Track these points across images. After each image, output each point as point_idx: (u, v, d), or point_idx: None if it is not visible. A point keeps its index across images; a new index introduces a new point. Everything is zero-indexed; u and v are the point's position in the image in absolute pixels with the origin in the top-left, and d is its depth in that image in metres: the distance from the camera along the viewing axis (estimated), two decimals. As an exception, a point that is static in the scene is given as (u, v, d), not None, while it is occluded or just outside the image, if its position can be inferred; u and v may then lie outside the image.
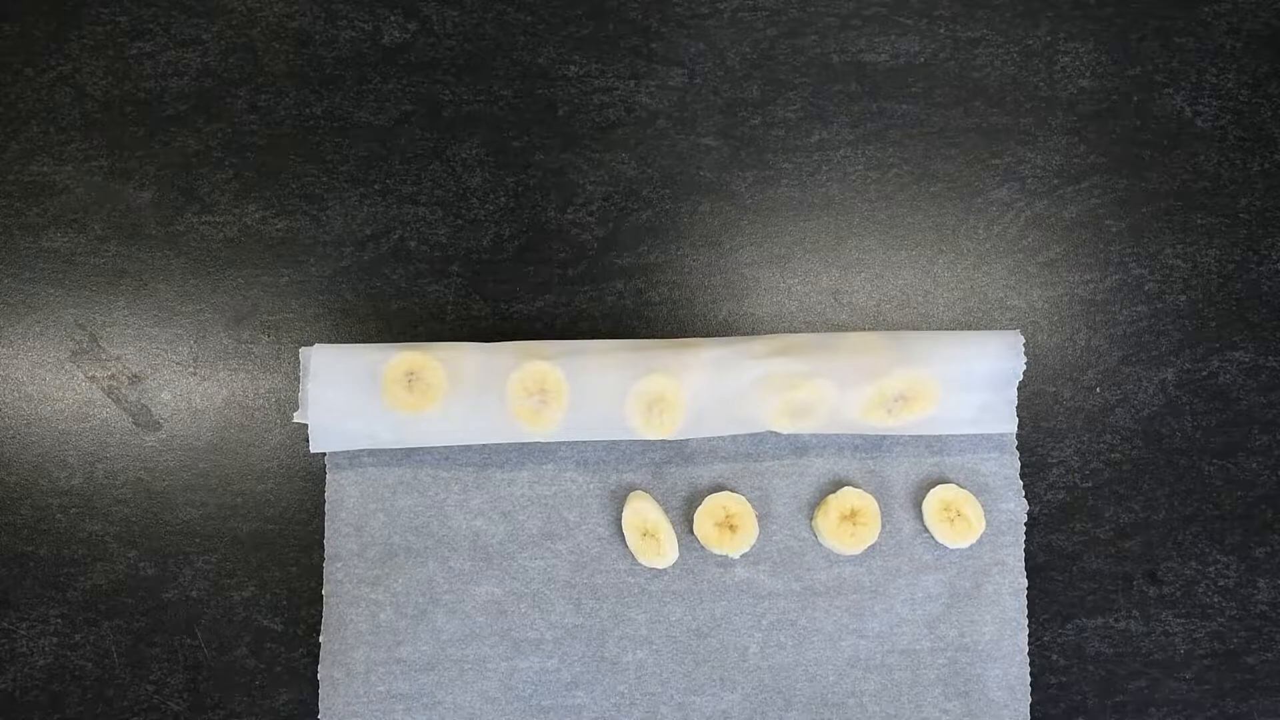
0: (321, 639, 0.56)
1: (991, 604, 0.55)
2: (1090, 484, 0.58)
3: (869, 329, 0.60)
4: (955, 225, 0.62)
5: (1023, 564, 0.55)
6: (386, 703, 0.55)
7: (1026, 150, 0.62)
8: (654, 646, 0.55)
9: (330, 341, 0.61)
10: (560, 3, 0.65)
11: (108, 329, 0.61)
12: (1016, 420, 0.56)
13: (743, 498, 0.55)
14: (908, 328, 0.61)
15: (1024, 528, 0.56)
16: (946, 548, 0.55)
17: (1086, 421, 0.59)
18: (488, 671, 0.55)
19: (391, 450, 0.57)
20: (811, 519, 0.55)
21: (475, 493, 0.56)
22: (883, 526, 0.55)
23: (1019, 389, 0.59)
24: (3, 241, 0.62)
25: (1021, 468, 0.59)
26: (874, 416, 0.54)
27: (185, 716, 0.57)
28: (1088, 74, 0.63)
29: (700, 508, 0.55)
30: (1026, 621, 0.55)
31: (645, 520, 0.54)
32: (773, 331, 0.61)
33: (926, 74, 0.63)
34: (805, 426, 0.55)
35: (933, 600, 0.54)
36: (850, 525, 0.54)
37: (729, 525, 0.54)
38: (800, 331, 0.61)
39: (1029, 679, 0.54)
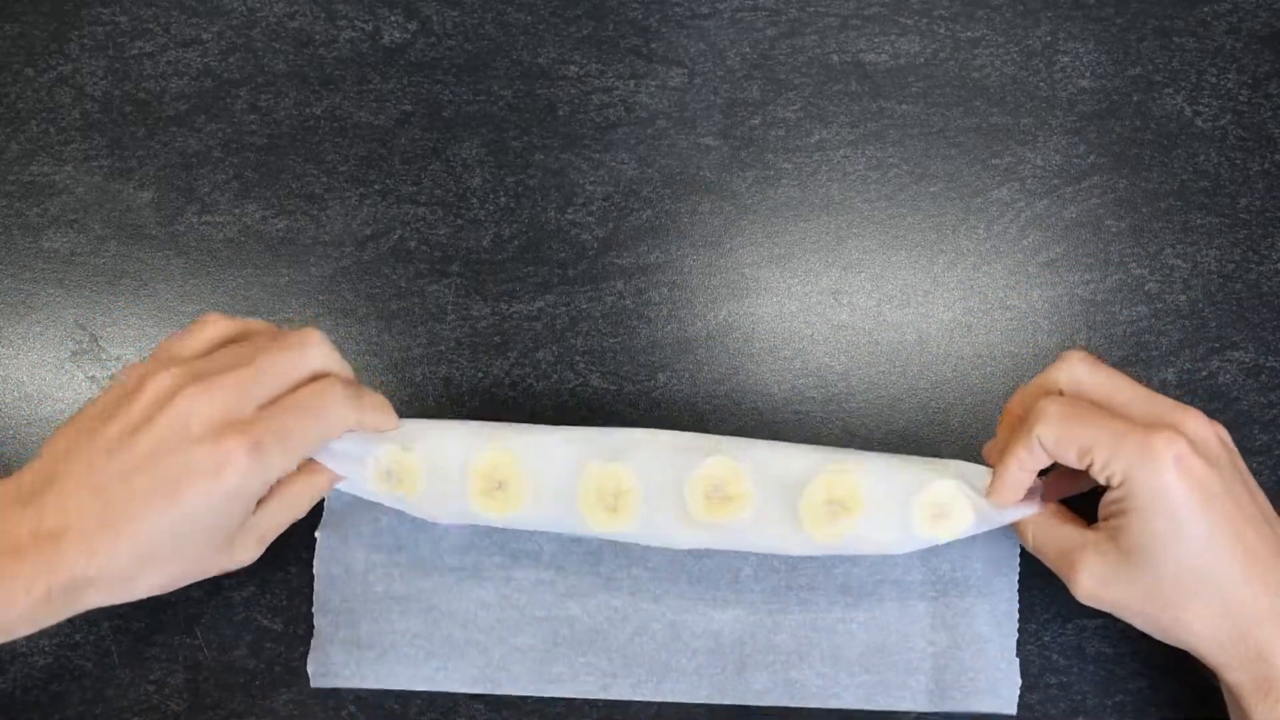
0: (318, 534, 0.56)
1: (984, 541, 0.55)
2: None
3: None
4: (955, 225, 0.62)
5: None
6: (384, 603, 0.56)
7: (1026, 150, 0.62)
8: (649, 565, 0.56)
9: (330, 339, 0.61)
10: (560, 3, 0.65)
11: (108, 329, 0.61)
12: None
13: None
14: (908, 327, 0.61)
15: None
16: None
17: (1086, 421, 0.59)
18: (484, 580, 0.56)
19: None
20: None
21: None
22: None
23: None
24: (3, 241, 0.62)
25: (1021, 468, 0.59)
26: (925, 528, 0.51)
27: (185, 716, 0.57)
28: (1088, 74, 0.63)
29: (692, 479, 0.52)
30: (1018, 562, 0.55)
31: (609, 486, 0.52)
32: (773, 331, 0.61)
33: (926, 74, 0.63)
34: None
35: None
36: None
37: (723, 497, 0.52)
38: (800, 332, 0.61)
39: (1017, 615, 0.55)
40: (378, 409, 0.50)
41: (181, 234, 0.62)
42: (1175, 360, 0.60)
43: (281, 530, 0.50)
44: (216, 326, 0.49)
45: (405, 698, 0.56)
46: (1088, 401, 0.47)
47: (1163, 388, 0.59)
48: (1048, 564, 0.49)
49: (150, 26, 0.65)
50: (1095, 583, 0.47)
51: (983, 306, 0.61)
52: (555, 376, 0.60)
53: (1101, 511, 0.48)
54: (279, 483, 0.48)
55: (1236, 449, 0.48)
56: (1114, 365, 0.60)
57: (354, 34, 0.64)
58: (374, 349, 0.61)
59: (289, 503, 0.49)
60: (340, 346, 0.60)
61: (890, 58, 0.64)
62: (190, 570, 0.47)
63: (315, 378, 0.48)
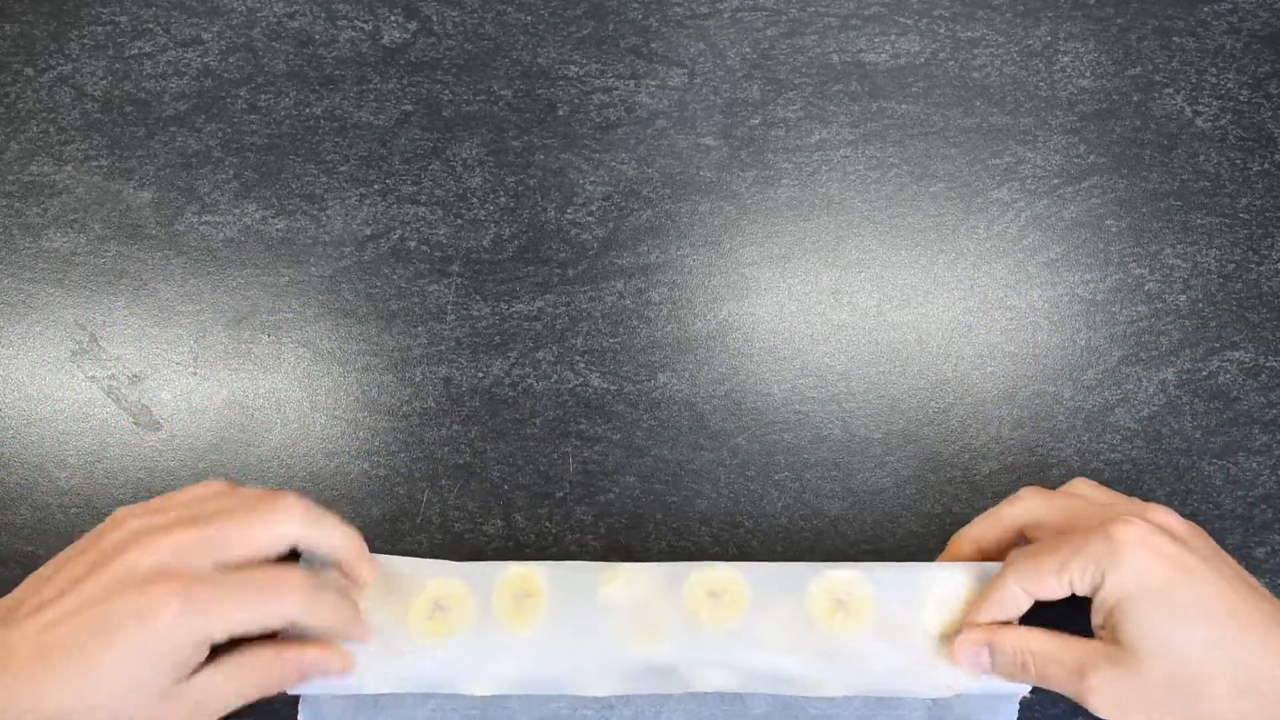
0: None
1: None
2: (1090, 484, 0.58)
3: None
4: (955, 225, 0.62)
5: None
6: None
7: (1026, 150, 0.62)
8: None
9: (330, 339, 0.61)
10: (560, 3, 0.65)
11: (108, 329, 0.61)
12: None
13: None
14: (908, 327, 0.61)
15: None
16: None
17: (1086, 421, 0.59)
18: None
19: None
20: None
21: None
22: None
23: (1014, 397, 0.59)
24: (3, 241, 0.62)
25: (1021, 468, 0.59)
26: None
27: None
28: (1088, 74, 0.63)
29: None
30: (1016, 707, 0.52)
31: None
32: (773, 331, 0.61)
33: (926, 74, 0.63)
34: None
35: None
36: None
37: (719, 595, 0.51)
38: (800, 332, 0.61)
39: None
40: (338, 616, 0.47)
41: (181, 234, 0.62)
42: (1175, 360, 0.60)
43: (224, 710, 0.46)
44: (211, 488, 0.49)
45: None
46: (1051, 531, 0.48)
47: (1163, 388, 0.59)
48: (1057, 688, 0.47)
49: (150, 26, 0.65)
50: (1111, 688, 0.45)
51: (983, 306, 0.61)
52: (555, 376, 0.60)
53: (1095, 623, 0.47)
54: (226, 652, 0.46)
55: (1211, 539, 0.48)
56: (1114, 365, 0.60)
57: (354, 34, 0.64)
58: (374, 349, 0.61)
59: (234, 674, 0.46)
60: (340, 347, 0.60)
61: (890, 58, 0.64)
62: None
63: (293, 549, 0.48)
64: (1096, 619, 0.47)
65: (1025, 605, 0.48)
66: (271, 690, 0.47)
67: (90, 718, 0.44)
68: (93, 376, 0.61)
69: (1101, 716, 0.46)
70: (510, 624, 0.49)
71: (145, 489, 0.59)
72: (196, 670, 0.45)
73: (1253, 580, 0.47)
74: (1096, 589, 0.46)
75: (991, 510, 0.51)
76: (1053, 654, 0.47)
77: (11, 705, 0.43)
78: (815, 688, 0.49)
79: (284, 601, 0.46)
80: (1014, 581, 0.47)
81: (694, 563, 0.50)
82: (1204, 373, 0.60)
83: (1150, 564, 0.45)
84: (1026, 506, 0.50)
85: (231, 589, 0.45)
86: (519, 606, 0.49)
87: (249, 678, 0.46)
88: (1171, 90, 0.63)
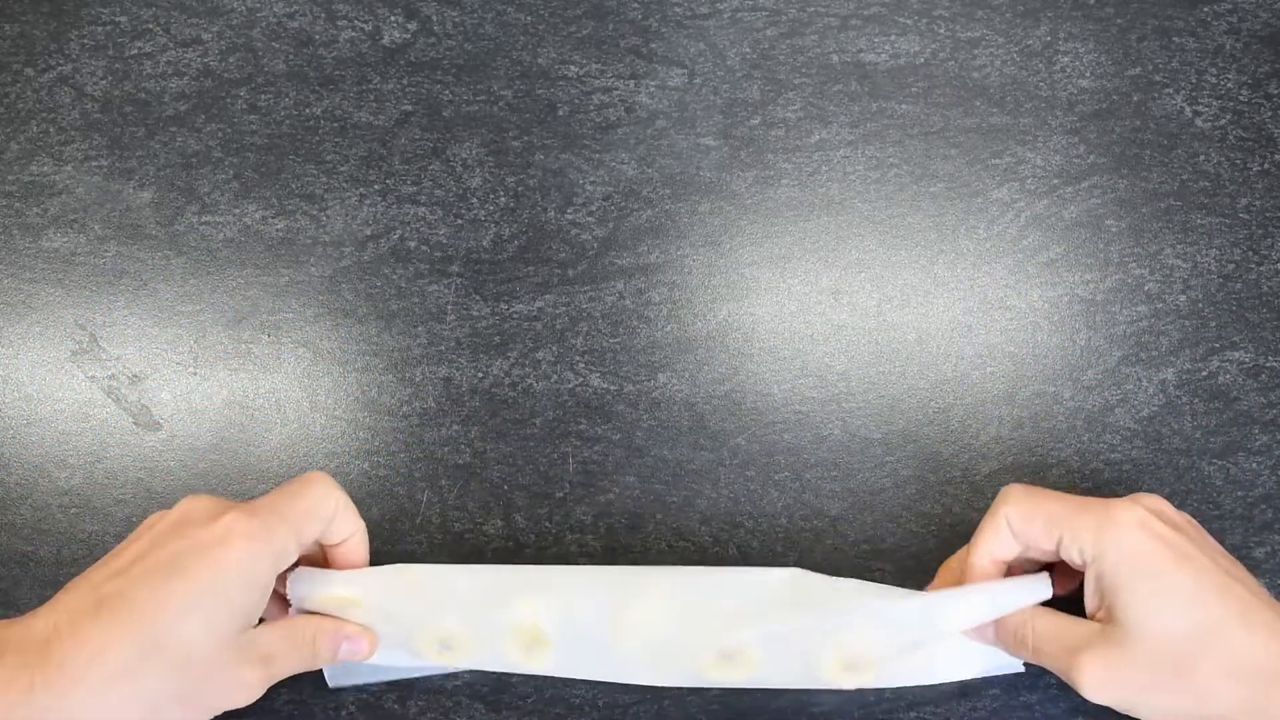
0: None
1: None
2: (1090, 484, 0.58)
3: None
4: (955, 225, 0.62)
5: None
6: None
7: (1026, 150, 0.62)
8: None
9: (330, 339, 0.61)
10: (560, 3, 0.65)
11: (108, 329, 0.61)
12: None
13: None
14: (908, 327, 0.61)
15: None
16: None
17: (1086, 422, 0.59)
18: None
19: None
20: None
21: None
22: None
23: (1014, 397, 0.59)
24: (3, 241, 0.62)
25: (1021, 468, 0.59)
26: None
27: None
28: (1088, 74, 0.63)
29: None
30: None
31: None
32: (773, 331, 0.61)
33: (926, 74, 0.63)
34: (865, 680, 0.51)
35: None
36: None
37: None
38: (800, 332, 0.61)
39: None
40: (350, 512, 0.49)
41: (181, 234, 0.62)
42: (1175, 360, 0.60)
43: (288, 672, 0.47)
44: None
45: (405, 698, 0.56)
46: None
47: (1163, 388, 0.59)
48: (1049, 665, 0.48)
49: (150, 26, 0.65)
50: (1100, 667, 0.45)
51: (983, 306, 0.61)
52: (555, 376, 0.60)
53: (1089, 606, 0.47)
54: (290, 617, 0.48)
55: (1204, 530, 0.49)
56: (1114, 365, 0.60)
57: (354, 34, 0.64)
58: (374, 349, 0.61)
59: (290, 634, 0.47)
60: (340, 347, 0.60)
61: (890, 58, 0.64)
62: (192, 684, 0.41)
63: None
64: (1091, 601, 0.47)
65: (1012, 547, 0.48)
66: (317, 662, 0.48)
67: (156, 668, 0.40)
68: (93, 376, 0.61)
69: (1090, 698, 0.46)
70: (521, 662, 0.51)
71: (145, 489, 0.59)
72: (258, 626, 0.45)
73: (1242, 568, 0.47)
74: (1088, 564, 0.46)
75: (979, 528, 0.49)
76: (1052, 631, 0.47)
77: (69, 664, 0.39)
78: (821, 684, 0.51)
79: (317, 489, 0.47)
80: (1005, 512, 0.48)
81: (708, 604, 0.50)
82: (1204, 373, 0.60)
83: (1145, 544, 0.45)
84: (1012, 500, 0.48)
85: (279, 503, 0.46)
86: (529, 653, 0.50)
87: (303, 641, 0.47)
88: (1171, 90, 0.63)
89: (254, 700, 0.45)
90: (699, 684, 0.51)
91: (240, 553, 0.42)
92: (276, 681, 0.46)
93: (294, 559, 0.47)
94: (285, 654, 0.46)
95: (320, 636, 0.48)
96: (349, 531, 0.49)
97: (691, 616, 0.50)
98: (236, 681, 0.43)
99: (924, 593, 0.50)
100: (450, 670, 0.54)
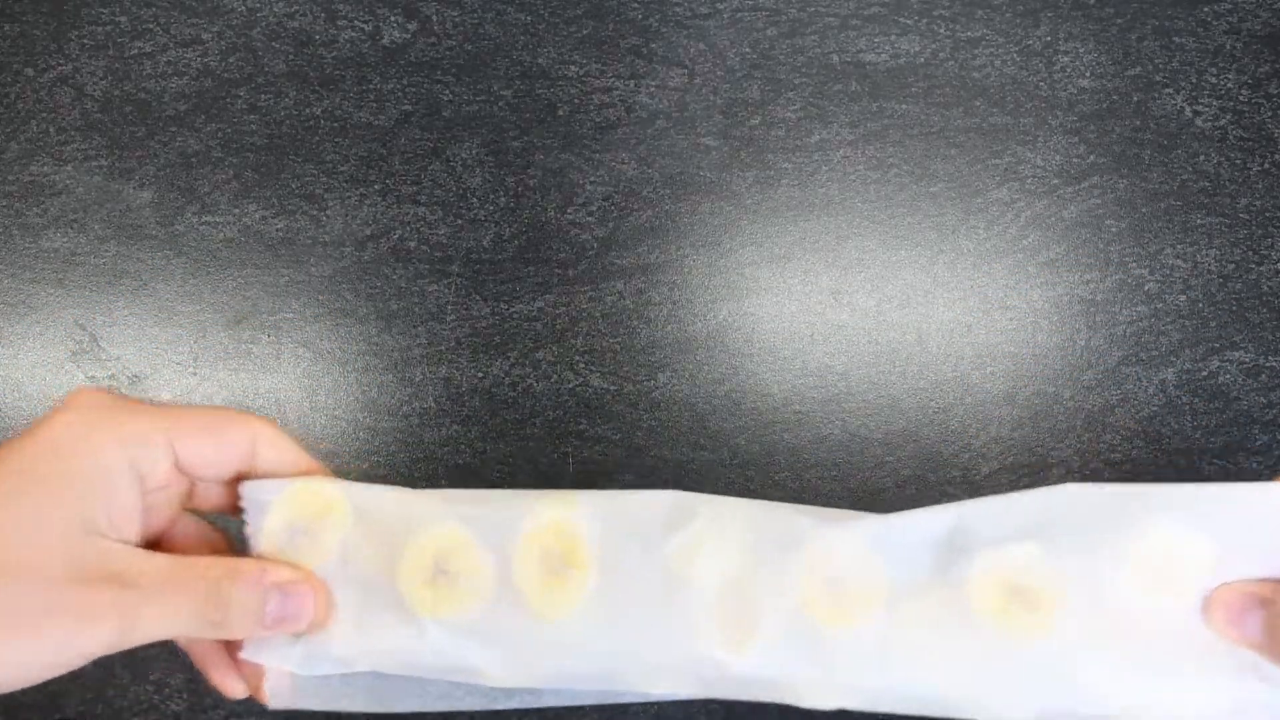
0: None
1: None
2: (1090, 484, 0.58)
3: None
4: (955, 225, 0.62)
5: None
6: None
7: (1026, 150, 0.62)
8: None
9: (330, 339, 0.61)
10: (560, 3, 0.65)
11: (108, 329, 0.61)
12: None
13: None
14: (908, 327, 0.61)
15: None
16: None
17: (1086, 421, 0.59)
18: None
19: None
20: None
21: None
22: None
23: (1014, 397, 0.59)
24: (3, 241, 0.62)
25: (1021, 468, 0.59)
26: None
27: (185, 716, 0.57)
28: (1088, 74, 0.63)
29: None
30: None
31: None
32: (773, 331, 0.61)
33: (926, 74, 0.63)
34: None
35: None
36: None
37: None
38: (800, 332, 0.61)
39: None
40: (285, 442, 0.35)
41: (181, 234, 0.62)
42: (1175, 360, 0.60)
43: (169, 626, 0.31)
44: None
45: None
46: None
47: (1162, 388, 0.59)
48: None
49: (150, 26, 0.65)
50: None
51: (983, 306, 0.61)
52: (555, 376, 0.60)
53: None
54: (170, 535, 0.34)
55: None
56: (1114, 365, 0.60)
57: (354, 34, 0.64)
58: (374, 349, 0.61)
59: (192, 569, 0.31)
60: (340, 347, 0.60)
61: (890, 58, 0.64)
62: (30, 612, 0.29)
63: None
64: None
65: None
66: (225, 619, 0.31)
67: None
68: (93, 376, 0.61)
69: None
70: (541, 604, 0.34)
71: (145, 489, 0.59)
72: (126, 543, 0.31)
73: None
74: None
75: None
76: None
77: None
78: (981, 711, 0.33)
79: (247, 426, 0.33)
80: None
81: (804, 512, 0.35)
82: (1204, 373, 0.60)
83: None
84: None
85: (167, 410, 0.32)
86: (554, 580, 0.34)
87: (197, 576, 0.31)
88: (1171, 90, 0.63)
89: (107, 647, 0.30)
90: (802, 644, 0.34)
91: (71, 422, 0.30)
92: (154, 639, 0.31)
93: (160, 463, 0.32)
94: (159, 585, 0.30)
95: (234, 581, 0.31)
96: (287, 461, 0.34)
97: (786, 526, 0.35)
98: (66, 604, 0.29)
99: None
100: (415, 673, 0.36)
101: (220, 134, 0.63)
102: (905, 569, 0.34)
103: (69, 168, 0.63)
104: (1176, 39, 0.64)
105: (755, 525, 0.35)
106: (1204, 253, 0.61)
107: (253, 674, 0.35)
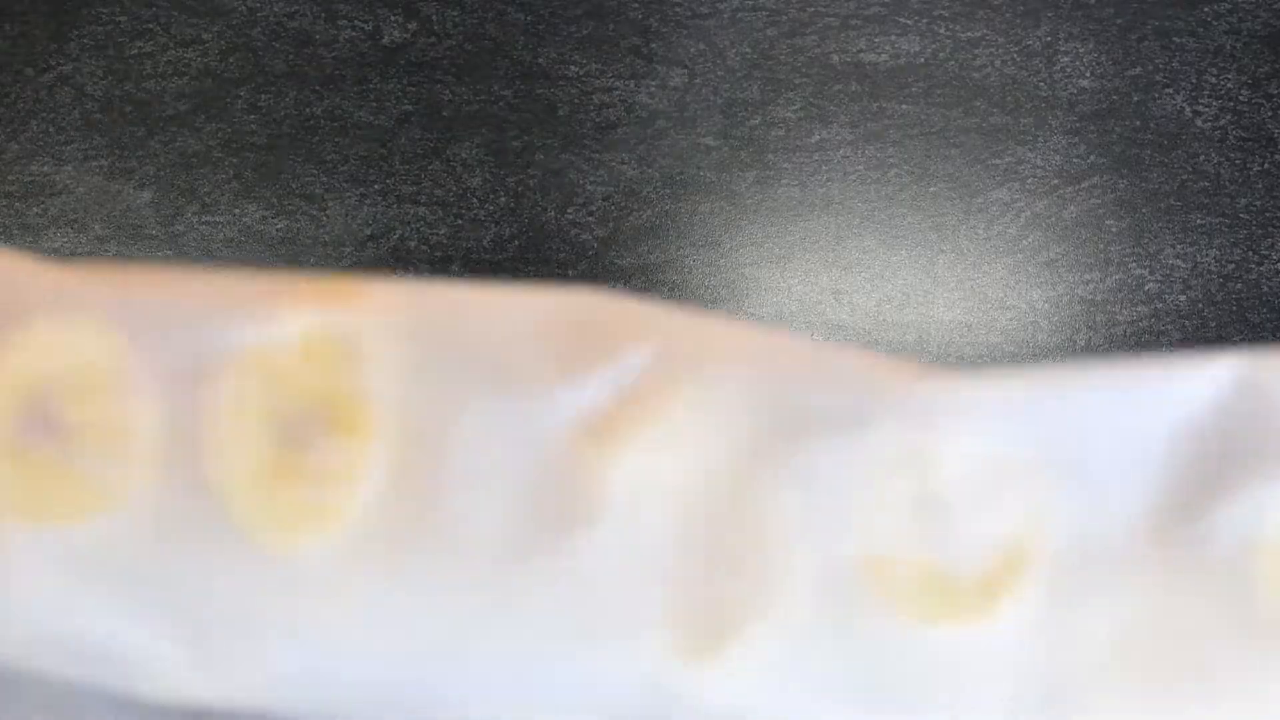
0: None
1: None
2: (1090, 484, 0.59)
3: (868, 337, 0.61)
4: (955, 225, 0.62)
5: None
6: None
7: (1026, 150, 0.62)
8: None
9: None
10: (560, 3, 0.65)
11: (108, 329, 0.61)
12: None
13: None
14: (908, 327, 0.61)
15: None
16: None
17: (1086, 421, 0.59)
18: None
19: None
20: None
21: None
22: None
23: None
24: (3, 241, 0.62)
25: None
26: None
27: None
28: (1088, 74, 0.63)
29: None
30: None
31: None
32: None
33: (926, 74, 0.63)
34: None
35: None
36: None
37: None
38: (800, 331, 0.61)
39: None
40: None
41: (181, 234, 0.62)
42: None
43: None
44: None
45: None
46: None
47: (1163, 388, 0.59)
48: None
49: (150, 26, 0.65)
50: None
51: (983, 306, 0.61)
52: (555, 376, 0.60)
53: None
54: None
55: None
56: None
57: (354, 34, 0.64)
58: (374, 349, 0.61)
59: None
60: (340, 346, 0.61)
61: (890, 58, 0.64)
62: None
63: None
64: None
65: None
66: None
67: None
68: (93, 376, 0.61)
69: None
70: (263, 516, 0.18)
71: (145, 489, 0.59)
72: None
73: None
74: None
75: None
76: None
77: None
78: None
79: None
80: None
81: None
82: (1204, 373, 0.60)
83: None
84: None
85: None
86: (297, 464, 0.18)
87: None
88: (1171, 90, 0.63)
89: None
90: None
91: None
92: None
93: None
94: None
95: None
96: None
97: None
98: None
99: None
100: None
101: (220, 134, 0.63)
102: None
103: (69, 168, 0.63)
104: (1176, 39, 0.64)
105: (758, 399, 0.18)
106: (1204, 253, 0.61)
107: None
